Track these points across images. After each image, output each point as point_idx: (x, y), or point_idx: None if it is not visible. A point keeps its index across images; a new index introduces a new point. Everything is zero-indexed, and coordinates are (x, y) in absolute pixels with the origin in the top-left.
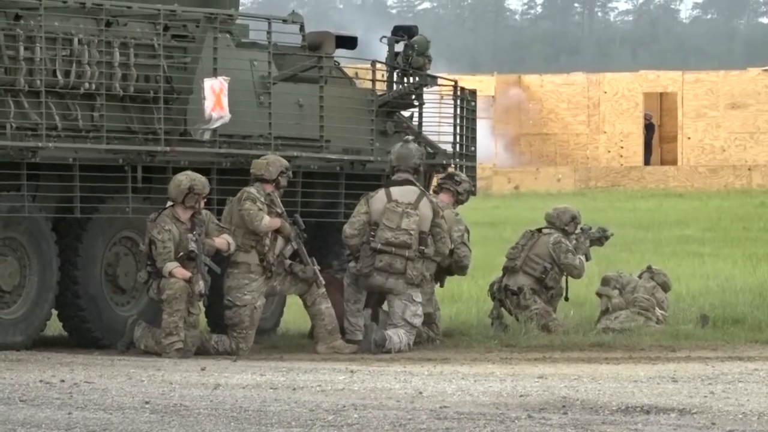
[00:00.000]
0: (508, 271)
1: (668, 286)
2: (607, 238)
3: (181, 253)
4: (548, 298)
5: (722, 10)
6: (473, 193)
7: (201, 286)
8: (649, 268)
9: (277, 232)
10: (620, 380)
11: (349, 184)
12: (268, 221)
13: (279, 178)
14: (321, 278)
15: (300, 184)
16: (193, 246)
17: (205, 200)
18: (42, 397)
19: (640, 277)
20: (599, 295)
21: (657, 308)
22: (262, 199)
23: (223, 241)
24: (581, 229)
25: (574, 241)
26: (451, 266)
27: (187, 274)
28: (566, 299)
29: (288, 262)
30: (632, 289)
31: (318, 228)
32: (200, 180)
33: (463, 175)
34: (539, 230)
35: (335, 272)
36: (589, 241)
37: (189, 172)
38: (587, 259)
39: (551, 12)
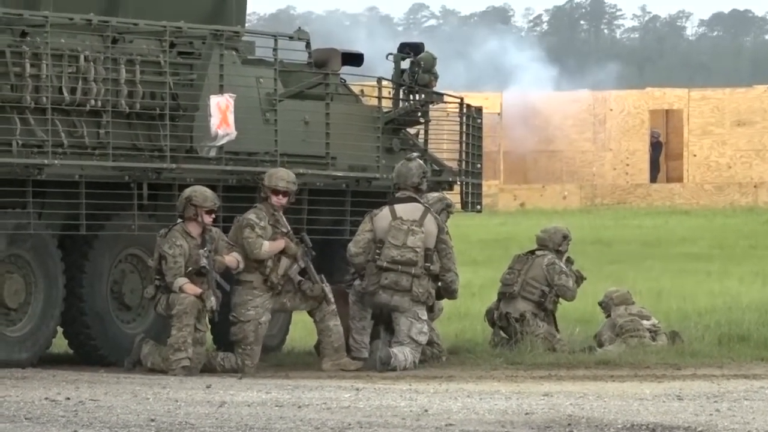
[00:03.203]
0: (505, 297)
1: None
2: (583, 279)
3: (190, 268)
4: (549, 319)
5: (728, 28)
6: (463, 209)
7: (213, 301)
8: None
9: (282, 252)
10: (626, 398)
11: (355, 201)
12: (267, 247)
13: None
14: (330, 296)
15: (306, 201)
16: (204, 262)
17: (212, 215)
18: (47, 415)
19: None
20: (602, 306)
21: (643, 321)
22: (263, 224)
23: (232, 259)
24: (567, 258)
25: (565, 262)
26: (439, 291)
27: (198, 290)
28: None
29: (298, 278)
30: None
31: (324, 245)
32: (200, 192)
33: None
34: (532, 252)
35: (346, 286)
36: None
37: (196, 186)
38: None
39: (557, 29)
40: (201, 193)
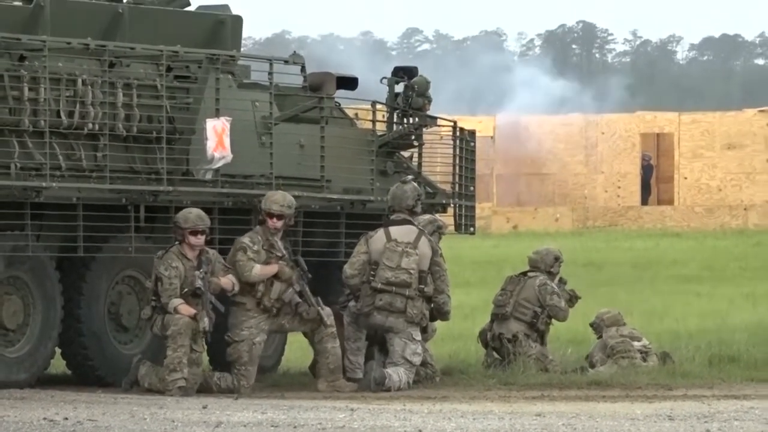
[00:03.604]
0: (497, 318)
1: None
2: (577, 298)
3: (186, 290)
4: (541, 340)
5: (718, 52)
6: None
7: (206, 322)
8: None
9: (275, 276)
10: (617, 418)
11: (350, 223)
12: (258, 271)
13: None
14: (327, 320)
15: (301, 223)
16: (199, 283)
17: (197, 236)
18: None
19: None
20: (593, 327)
21: (634, 342)
22: (256, 248)
23: (227, 280)
24: (560, 279)
25: (557, 283)
26: (433, 312)
27: (192, 310)
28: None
29: (296, 300)
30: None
31: (319, 266)
32: (184, 213)
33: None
34: (524, 274)
35: (341, 307)
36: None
37: (190, 208)
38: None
39: (549, 53)
40: (184, 214)
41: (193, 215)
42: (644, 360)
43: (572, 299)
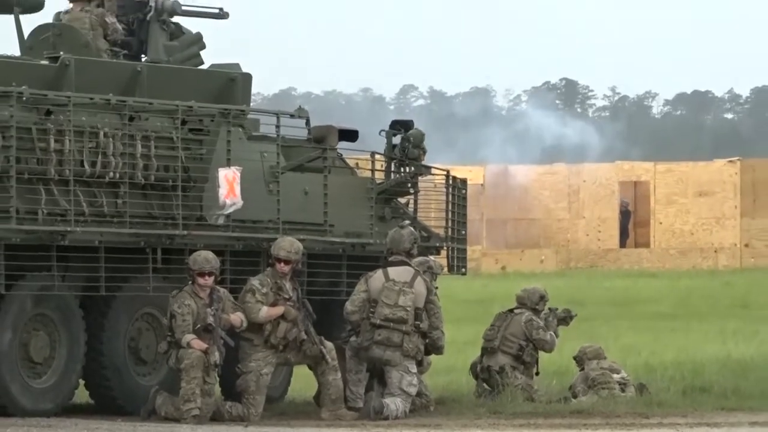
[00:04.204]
0: (486, 351)
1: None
2: (572, 318)
3: (198, 326)
4: (526, 371)
5: (691, 107)
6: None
7: (216, 356)
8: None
9: (282, 317)
10: None
11: (351, 264)
12: (265, 312)
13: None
14: (328, 357)
15: (306, 264)
16: (210, 320)
17: (205, 277)
18: None
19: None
20: (576, 360)
21: (614, 374)
22: (264, 290)
23: (237, 317)
24: (549, 309)
25: (544, 319)
26: (428, 346)
27: (204, 345)
28: (537, 373)
29: (302, 338)
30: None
31: (323, 304)
32: (193, 256)
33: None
34: (511, 311)
35: (343, 342)
36: (556, 320)
37: (202, 251)
38: (557, 336)
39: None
40: (193, 257)
41: (200, 258)
42: (622, 391)
43: (567, 319)
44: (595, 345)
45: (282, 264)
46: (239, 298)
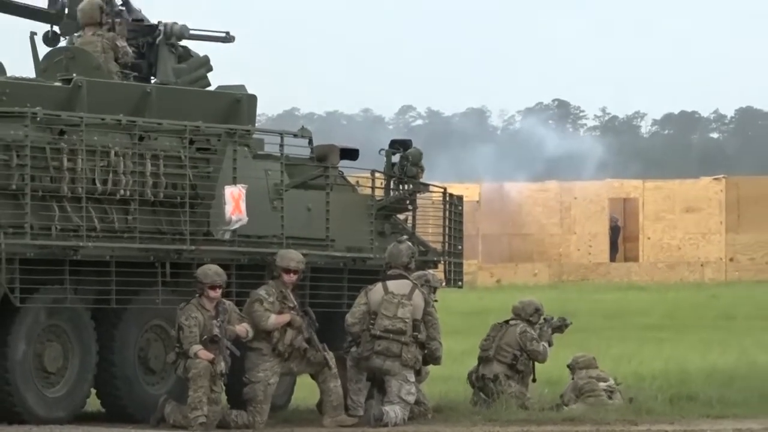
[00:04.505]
0: (482, 360)
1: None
2: (567, 326)
3: (205, 337)
4: (520, 380)
5: (678, 127)
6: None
7: (222, 366)
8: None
9: (288, 324)
10: None
11: (352, 278)
12: (273, 320)
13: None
14: (331, 363)
15: (308, 278)
16: (217, 331)
17: (215, 289)
18: None
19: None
20: (570, 368)
21: (600, 383)
22: (271, 299)
23: (242, 328)
24: (544, 319)
25: (539, 330)
26: (426, 357)
27: (210, 355)
28: (534, 380)
29: (304, 346)
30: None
31: (325, 316)
32: (203, 269)
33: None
34: (506, 322)
35: (344, 352)
36: (551, 330)
37: (209, 264)
38: (550, 345)
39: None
40: (203, 270)
41: (212, 272)
42: (609, 398)
43: (562, 327)
44: (588, 355)
45: (291, 274)
46: (245, 308)
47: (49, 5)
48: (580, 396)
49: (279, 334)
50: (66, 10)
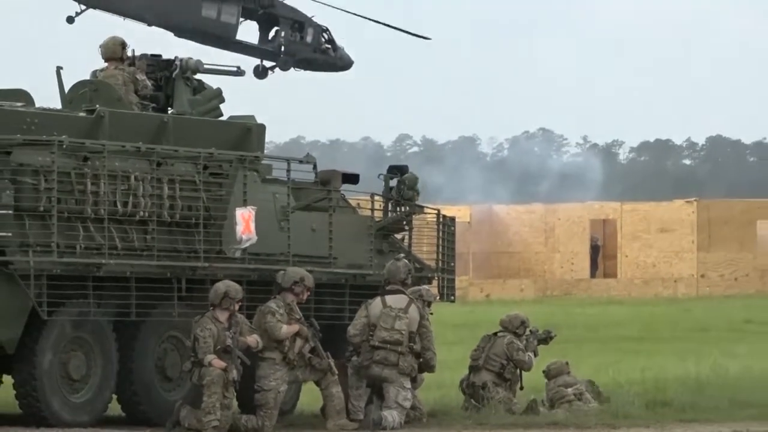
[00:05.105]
0: (473, 369)
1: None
2: (551, 338)
3: (218, 347)
4: (508, 387)
5: (653, 153)
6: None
7: (235, 374)
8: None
9: (297, 334)
10: None
11: (353, 293)
12: (285, 330)
13: (293, 286)
14: (334, 369)
15: (313, 292)
16: (229, 341)
17: (240, 304)
18: None
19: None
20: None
21: (568, 389)
22: (281, 311)
23: (253, 339)
24: (530, 331)
25: (525, 341)
26: (421, 365)
27: (223, 364)
28: (521, 388)
29: (308, 355)
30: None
31: (328, 328)
32: (234, 287)
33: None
34: (495, 334)
35: (346, 360)
36: (536, 341)
37: (226, 281)
38: (535, 356)
39: (516, 153)
40: (233, 287)
41: (236, 289)
42: (579, 399)
43: (547, 339)
44: (561, 361)
45: (307, 291)
46: (256, 320)
47: (260, 42)
48: (553, 406)
49: (289, 343)
50: (282, 48)
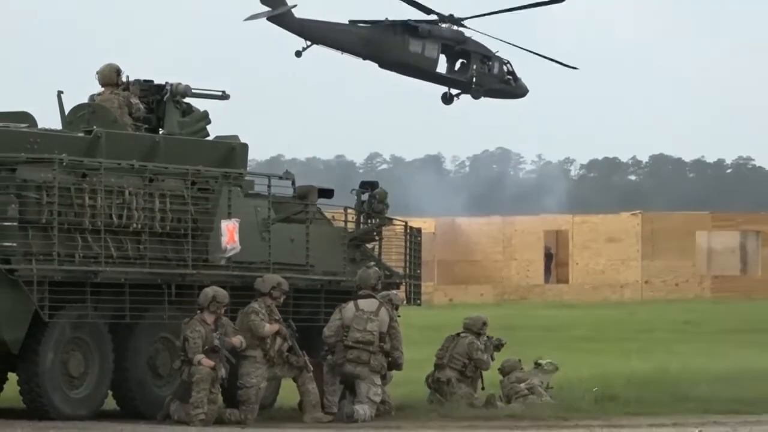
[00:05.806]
0: (437, 366)
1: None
2: (502, 345)
3: (206, 347)
4: (470, 383)
5: (602, 170)
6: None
7: (222, 371)
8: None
9: (277, 333)
10: None
11: (328, 297)
12: (268, 328)
13: (271, 291)
14: (310, 366)
15: (291, 296)
16: (216, 342)
17: (226, 308)
18: None
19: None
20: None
21: (521, 384)
22: (263, 312)
23: (237, 340)
24: (488, 337)
25: (485, 341)
26: (390, 363)
27: (212, 363)
28: (483, 388)
29: (286, 354)
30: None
31: (305, 329)
32: (221, 292)
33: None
34: (458, 334)
35: (321, 359)
36: (492, 347)
37: (214, 287)
38: (492, 360)
39: (476, 170)
40: (221, 292)
41: (223, 294)
42: (532, 393)
43: (498, 346)
44: (514, 358)
45: (284, 295)
46: (241, 319)
47: (447, 72)
48: (509, 400)
49: (271, 341)
50: (474, 79)
